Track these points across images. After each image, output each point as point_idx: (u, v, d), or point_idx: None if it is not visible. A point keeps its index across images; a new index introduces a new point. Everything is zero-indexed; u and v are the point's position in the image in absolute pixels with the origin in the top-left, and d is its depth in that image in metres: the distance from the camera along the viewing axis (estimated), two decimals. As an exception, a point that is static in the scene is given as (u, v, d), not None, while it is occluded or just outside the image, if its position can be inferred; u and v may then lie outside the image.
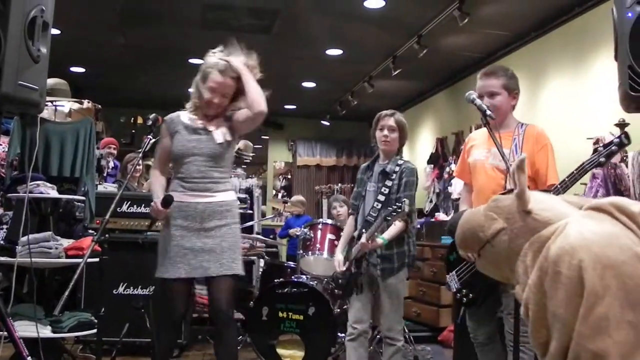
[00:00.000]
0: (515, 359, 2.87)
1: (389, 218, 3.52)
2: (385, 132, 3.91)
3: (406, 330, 5.80)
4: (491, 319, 3.37)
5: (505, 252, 1.87)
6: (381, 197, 3.84)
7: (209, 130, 3.44)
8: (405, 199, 3.52)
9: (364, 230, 3.81)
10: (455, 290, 3.42)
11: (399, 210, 3.46)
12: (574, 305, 1.61)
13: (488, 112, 3.00)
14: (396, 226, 3.74)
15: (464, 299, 3.36)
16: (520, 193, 1.83)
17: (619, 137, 2.72)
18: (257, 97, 3.52)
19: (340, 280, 4.04)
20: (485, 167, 3.33)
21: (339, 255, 4.05)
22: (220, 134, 3.45)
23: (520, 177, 1.81)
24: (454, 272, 3.45)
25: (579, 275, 1.61)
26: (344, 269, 3.96)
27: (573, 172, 2.80)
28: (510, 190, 1.91)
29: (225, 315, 3.36)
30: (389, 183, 3.85)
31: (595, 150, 2.73)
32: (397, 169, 3.87)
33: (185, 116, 3.48)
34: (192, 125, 3.45)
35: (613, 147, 2.70)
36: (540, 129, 3.32)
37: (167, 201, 3.28)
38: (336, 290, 4.26)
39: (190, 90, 3.53)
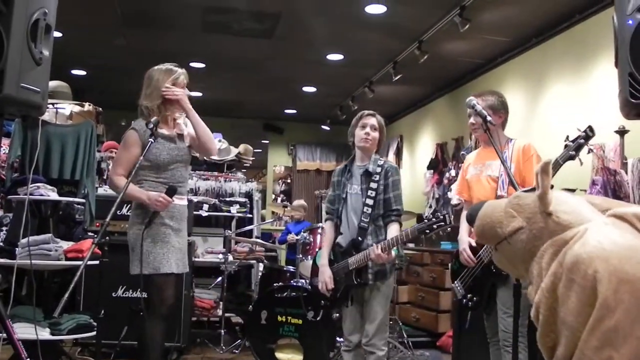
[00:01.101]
0: (514, 357, 2.91)
1: (428, 231, 3.41)
2: (368, 129, 3.79)
3: (405, 336, 5.81)
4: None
5: (521, 251, 1.85)
6: (369, 201, 3.70)
7: (182, 139, 3.76)
8: (448, 213, 3.44)
9: (359, 237, 3.68)
10: (460, 297, 3.56)
11: (443, 224, 3.36)
12: (584, 315, 1.60)
13: (488, 118, 3.07)
14: (394, 230, 3.65)
15: (469, 303, 3.51)
16: (543, 194, 1.79)
17: (585, 130, 2.94)
18: (208, 142, 3.77)
19: (330, 293, 3.82)
20: (481, 179, 3.66)
21: (327, 273, 3.79)
22: (188, 137, 3.77)
23: (543, 179, 1.78)
24: (458, 281, 3.62)
25: (592, 285, 1.59)
26: (331, 288, 3.75)
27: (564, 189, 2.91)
28: (533, 189, 1.87)
29: (170, 309, 3.66)
30: (374, 185, 3.72)
31: (565, 146, 2.88)
32: (379, 169, 3.76)
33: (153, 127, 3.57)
34: (169, 135, 3.70)
35: (580, 140, 2.93)
36: (527, 143, 3.61)
37: (173, 190, 3.55)
38: (323, 302, 4.08)
39: (146, 103, 3.68)
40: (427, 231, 3.41)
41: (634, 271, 1.57)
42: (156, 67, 3.74)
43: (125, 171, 3.59)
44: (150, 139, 3.42)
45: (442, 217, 3.37)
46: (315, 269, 4.04)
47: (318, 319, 4.79)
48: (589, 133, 2.94)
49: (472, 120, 3.64)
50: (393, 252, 3.60)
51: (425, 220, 3.43)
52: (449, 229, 3.50)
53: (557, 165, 3.06)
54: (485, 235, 2.02)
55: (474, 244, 3.55)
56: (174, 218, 3.64)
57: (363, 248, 3.64)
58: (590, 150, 3.22)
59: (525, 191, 1.94)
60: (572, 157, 3.00)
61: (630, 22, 2.42)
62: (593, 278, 1.59)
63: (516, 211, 1.88)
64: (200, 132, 3.69)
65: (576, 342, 1.61)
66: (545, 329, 1.73)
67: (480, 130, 3.46)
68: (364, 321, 3.70)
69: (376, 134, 3.81)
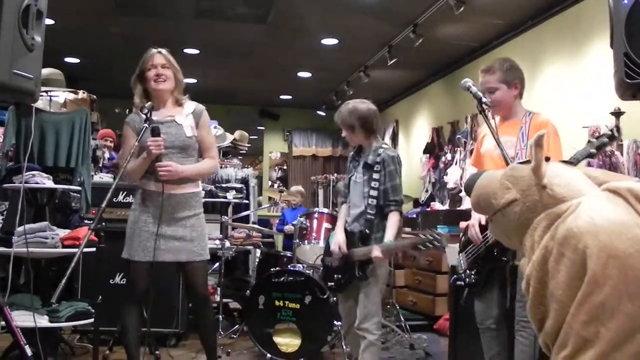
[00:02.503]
0: (510, 338, 2.90)
1: (423, 249, 3.55)
2: (344, 133, 3.94)
3: (402, 319, 5.83)
4: (500, 305, 3.36)
5: (515, 223, 1.84)
6: (374, 192, 3.76)
7: (178, 123, 3.60)
8: (443, 235, 3.48)
9: (367, 230, 3.75)
10: (462, 270, 3.49)
11: (437, 244, 3.44)
12: (573, 289, 1.61)
13: (484, 100, 3.02)
14: (394, 221, 3.71)
15: (467, 279, 3.43)
16: (536, 168, 1.78)
17: (611, 130, 2.79)
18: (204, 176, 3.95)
19: (335, 275, 3.94)
20: (493, 156, 3.41)
21: (340, 236, 3.88)
22: (189, 127, 3.62)
23: (537, 152, 1.77)
24: (463, 254, 3.53)
25: (582, 260, 1.59)
26: (344, 252, 3.82)
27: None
28: (529, 161, 1.85)
29: (202, 296, 3.71)
30: (376, 176, 3.77)
31: (588, 142, 2.77)
32: (378, 159, 3.79)
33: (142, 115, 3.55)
34: (160, 120, 3.57)
35: (604, 139, 2.78)
36: (544, 118, 3.38)
37: (156, 130, 3.43)
38: (329, 284, 4.12)
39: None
40: (422, 248, 3.54)
41: (624, 247, 1.58)
42: None
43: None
44: (144, 124, 3.39)
45: (439, 238, 3.43)
46: (327, 248, 4.11)
47: (316, 303, 4.80)
48: (615, 133, 2.79)
49: (487, 98, 3.46)
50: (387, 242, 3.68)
51: (422, 236, 3.51)
52: (442, 249, 3.52)
53: (576, 161, 2.84)
54: (481, 206, 2.01)
55: (483, 222, 3.46)
56: (159, 206, 3.49)
57: (369, 242, 3.72)
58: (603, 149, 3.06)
59: (522, 163, 1.93)
60: (591, 155, 2.88)
61: (626, 1, 2.41)
62: (583, 253, 1.60)
63: (511, 183, 1.86)
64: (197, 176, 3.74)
65: (564, 316, 1.63)
66: (535, 302, 1.73)
67: (497, 108, 3.31)
68: (357, 305, 3.77)
69: (351, 132, 3.87)
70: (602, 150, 2.79)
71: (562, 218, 1.70)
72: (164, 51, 3.65)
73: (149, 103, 3.48)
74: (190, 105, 3.70)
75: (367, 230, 3.76)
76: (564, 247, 1.64)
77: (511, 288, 2.95)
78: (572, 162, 2.80)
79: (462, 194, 7.52)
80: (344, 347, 4.83)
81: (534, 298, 1.73)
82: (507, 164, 2.89)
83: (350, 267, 3.79)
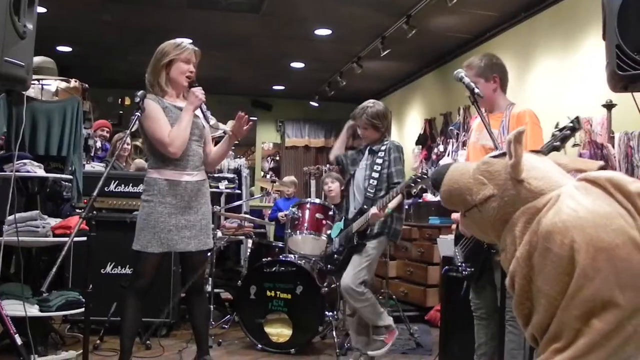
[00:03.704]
0: (501, 330, 2.93)
1: (413, 185, 3.93)
2: (359, 131, 4.30)
3: (400, 310, 5.83)
4: (492, 294, 3.41)
5: (492, 218, 1.82)
6: (375, 174, 4.14)
7: (195, 114, 3.64)
8: (417, 178, 3.89)
9: (365, 206, 4.10)
10: (459, 263, 3.54)
11: (420, 180, 3.86)
12: (561, 284, 1.61)
13: (476, 90, 3.03)
14: (397, 198, 4.04)
15: (464, 272, 3.49)
16: (515, 163, 1.76)
17: (572, 122, 2.84)
18: (219, 162, 4.06)
19: (335, 256, 4.29)
20: (476, 148, 3.51)
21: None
22: (202, 119, 3.72)
23: (516, 147, 1.75)
24: (458, 246, 3.58)
25: (569, 255, 1.60)
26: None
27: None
28: (503, 154, 1.84)
29: (199, 286, 3.80)
30: (379, 161, 4.15)
31: (552, 135, 2.83)
32: (383, 147, 4.20)
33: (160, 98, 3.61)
34: (180, 106, 3.60)
35: (567, 132, 2.83)
36: (524, 109, 3.42)
37: (192, 85, 3.60)
38: (328, 266, 4.47)
39: (149, 77, 3.69)
40: (412, 184, 3.93)
41: (610, 239, 1.58)
42: (168, 42, 3.68)
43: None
44: (136, 113, 3.37)
45: (422, 176, 3.87)
46: (329, 241, 4.58)
47: (307, 293, 4.82)
48: (576, 125, 2.85)
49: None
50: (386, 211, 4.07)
51: (412, 177, 3.94)
52: (433, 191, 3.69)
53: (541, 154, 3.01)
54: (453, 201, 1.97)
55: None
56: (178, 195, 3.53)
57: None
58: (575, 144, 3.17)
59: (494, 156, 1.90)
60: (556, 148, 2.96)
61: (618, -7, 2.42)
62: (570, 247, 1.60)
63: (486, 178, 1.84)
64: (223, 153, 3.83)
65: (553, 310, 1.63)
66: (520, 298, 1.73)
67: (483, 101, 3.30)
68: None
69: (368, 131, 4.25)
70: (565, 142, 2.85)
71: (543, 212, 1.70)
72: (197, 50, 3.73)
73: (142, 92, 3.44)
74: None
75: (364, 206, 4.10)
76: (549, 242, 1.64)
77: (501, 279, 2.97)
78: (542, 151, 2.85)
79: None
80: (335, 337, 4.85)
81: (520, 294, 1.73)
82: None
83: (349, 240, 4.17)
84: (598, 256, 1.57)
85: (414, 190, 4.09)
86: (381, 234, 4.17)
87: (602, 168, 1.83)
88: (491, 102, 3.47)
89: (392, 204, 4.05)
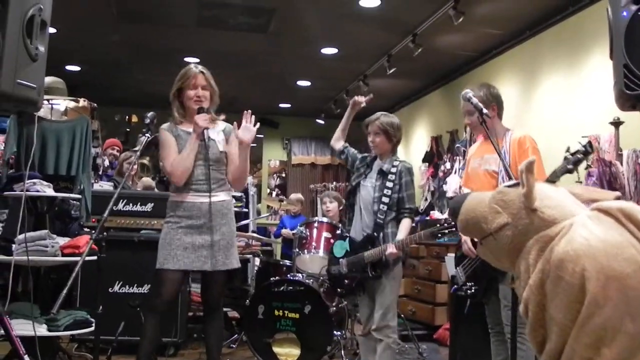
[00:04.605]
0: (513, 349, 2.95)
1: (440, 236, 3.78)
2: (371, 137, 4.10)
3: (408, 328, 5.81)
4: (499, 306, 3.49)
5: (507, 246, 1.85)
6: (386, 199, 3.96)
7: (212, 138, 3.71)
8: (441, 231, 3.76)
9: (375, 233, 3.95)
10: (462, 283, 3.63)
11: (451, 229, 3.66)
12: (572, 312, 1.62)
13: (484, 111, 3.07)
14: (406, 225, 3.93)
15: (468, 291, 3.57)
16: (528, 193, 1.80)
17: (584, 146, 2.93)
18: (241, 177, 3.82)
19: (346, 281, 4.13)
20: (479, 174, 3.66)
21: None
22: (221, 143, 3.74)
23: (528, 177, 1.78)
24: (460, 267, 3.68)
25: (580, 283, 1.61)
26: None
27: (547, 179, 2.94)
28: (517, 183, 1.87)
29: (214, 302, 3.80)
30: (389, 184, 3.99)
31: (565, 158, 2.90)
32: (394, 169, 4.03)
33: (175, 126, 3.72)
34: (189, 132, 3.67)
35: (579, 155, 2.92)
36: (524, 135, 3.59)
37: (200, 111, 3.60)
38: (338, 289, 4.33)
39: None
40: (439, 235, 3.80)
41: (621, 268, 1.59)
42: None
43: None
44: (146, 134, 3.42)
45: (453, 223, 3.59)
46: (331, 259, 4.35)
47: (315, 313, 4.80)
48: (588, 149, 2.96)
49: (466, 120, 3.66)
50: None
51: (438, 225, 3.82)
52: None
53: (555, 177, 3.06)
54: (469, 229, 2.02)
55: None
56: (193, 216, 3.61)
57: (378, 244, 3.92)
58: (588, 166, 3.20)
59: (509, 186, 1.94)
60: (569, 171, 3.04)
61: (625, 13, 2.43)
62: (581, 276, 1.61)
63: (501, 207, 1.88)
64: (241, 166, 3.75)
65: (565, 338, 1.64)
66: (534, 325, 1.74)
67: (479, 127, 3.46)
68: (374, 309, 3.98)
69: (379, 138, 4.07)
70: (578, 165, 2.93)
71: (556, 241, 1.71)
72: (206, 72, 3.73)
73: (151, 113, 3.50)
74: (221, 124, 3.85)
75: (374, 233, 3.95)
76: (560, 270, 1.65)
77: (512, 296, 3.01)
78: (553, 180, 2.92)
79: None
80: (343, 356, 4.83)
81: (534, 321, 1.74)
82: (508, 174, 2.96)
83: (361, 269, 3.97)
84: (609, 285, 1.58)
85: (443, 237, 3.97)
86: (397, 262, 4.00)
87: (618, 199, 1.85)
88: (490, 129, 3.52)
89: (403, 236, 3.91)
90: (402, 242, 3.84)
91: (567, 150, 3.21)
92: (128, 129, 10.72)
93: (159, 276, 3.58)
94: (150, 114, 3.48)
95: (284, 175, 12.64)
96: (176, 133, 3.67)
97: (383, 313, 3.90)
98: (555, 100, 6.20)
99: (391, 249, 3.80)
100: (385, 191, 3.98)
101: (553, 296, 1.67)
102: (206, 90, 3.70)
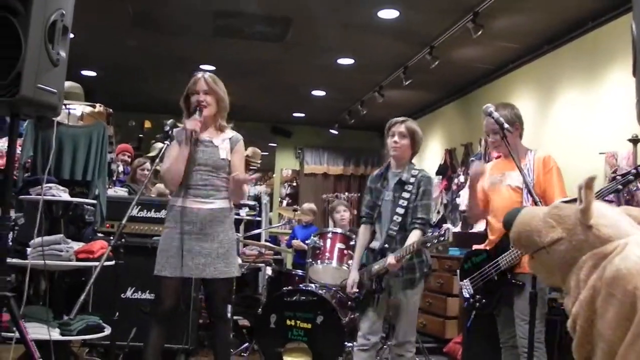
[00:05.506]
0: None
1: (429, 244, 3.54)
2: (396, 137, 3.87)
3: (419, 341, 5.78)
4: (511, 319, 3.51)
5: (560, 261, 1.86)
6: (400, 210, 3.80)
7: (215, 145, 3.73)
8: (449, 228, 3.51)
9: (386, 245, 3.82)
10: (468, 296, 3.64)
11: (443, 239, 3.44)
12: (622, 329, 1.62)
13: (506, 126, 3.08)
14: (414, 237, 3.71)
15: (477, 304, 3.57)
16: (586, 209, 1.80)
17: (635, 168, 2.96)
18: (236, 199, 3.87)
19: (356, 294, 4.01)
20: (501, 189, 3.65)
21: (354, 274, 3.97)
22: (224, 150, 3.74)
23: (587, 193, 1.79)
24: (467, 280, 3.68)
25: (632, 301, 1.61)
26: (356, 290, 3.93)
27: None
28: (572, 200, 1.89)
29: (218, 311, 3.80)
30: (406, 195, 3.81)
31: (614, 179, 2.90)
32: (412, 179, 3.84)
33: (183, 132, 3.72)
34: (199, 139, 3.71)
35: (630, 177, 2.95)
36: (547, 155, 3.60)
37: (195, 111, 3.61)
38: (349, 302, 4.29)
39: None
40: (428, 244, 3.55)
41: None
42: None
43: None
44: (165, 142, 3.43)
45: (443, 232, 3.46)
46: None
47: (327, 323, 4.78)
48: (639, 171, 2.98)
49: (491, 138, 3.63)
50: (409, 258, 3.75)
51: (429, 234, 3.66)
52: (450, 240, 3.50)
53: (601, 196, 3.06)
54: (522, 242, 2.03)
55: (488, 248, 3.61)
56: (191, 222, 3.62)
57: (386, 256, 3.77)
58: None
59: (565, 201, 1.96)
60: (617, 191, 3.05)
61: (650, 30, 2.40)
62: (633, 294, 1.61)
63: (556, 222, 1.89)
64: (234, 193, 3.77)
65: (613, 355, 1.63)
66: (581, 340, 1.75)
67: (503, 147, 3.45)
68: (394, 324, 3.89)
69: (405, 141, 3.87)
70: (627, 186, 2.92)
71: (609, 258, 1.72)
72: (207, 77, 3.73)
73: (171, 120, 3.52)
74: (229, 132, 3.84)
75: (386, 245, 3.82)
76: (612, 287, 1.66)
77: (530, 312, 3.01)
78: (599, 196, 2.91)
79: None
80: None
81: (581, 337, 1.74)
82: (531, 193, 2.97)
83: (369, 282, 3.88)
84: None
85: (433, 247, 3.61)
86: (422, 276, 3.90)
87: None
88: (512, 148, 3.51)
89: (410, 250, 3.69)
90: (399, 254, 3.64)
91: (614, 171, 3.23)
92: (141, 135, 10.76)
93: (159, 283, 3.63)
94: (170, 121, 3.50)
95: (295, 184, 12.64)
96: (180, 139, 3.66)
97: (406, 329, 3.82)
98: (572, 116, 6.17)
99: (391, 259, 3.64)
100: (401, 202, 3.81)
101: (603, 313, 1.67)
102: (208, 95, 3.69)
